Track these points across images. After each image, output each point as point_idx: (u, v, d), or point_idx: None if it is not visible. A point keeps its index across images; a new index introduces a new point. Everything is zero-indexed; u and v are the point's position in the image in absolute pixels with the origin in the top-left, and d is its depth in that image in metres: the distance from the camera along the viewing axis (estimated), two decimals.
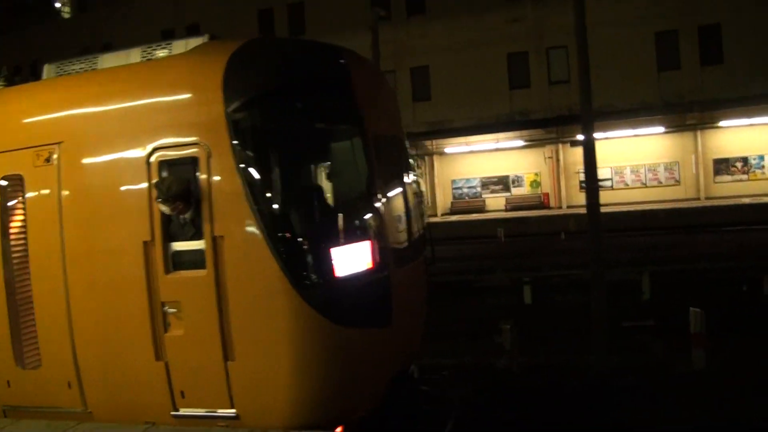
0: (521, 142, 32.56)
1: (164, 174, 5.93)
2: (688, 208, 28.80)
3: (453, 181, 35.66)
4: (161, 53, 6.74)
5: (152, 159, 5.96)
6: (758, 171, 31.18)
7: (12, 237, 6.72)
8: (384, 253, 6.24)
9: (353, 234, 6.02)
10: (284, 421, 5.72)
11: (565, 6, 29.48)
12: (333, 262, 5.71)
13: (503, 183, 34.92)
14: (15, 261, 6.67)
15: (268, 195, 5.67)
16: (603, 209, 28.57)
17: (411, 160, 8.04)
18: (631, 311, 15.37)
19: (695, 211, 27.88)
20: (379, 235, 6.25)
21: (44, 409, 6.55)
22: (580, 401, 10.77)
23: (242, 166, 5.66)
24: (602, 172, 32.81)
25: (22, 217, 6.66)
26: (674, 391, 10.65)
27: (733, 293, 16.39)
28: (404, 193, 7.43)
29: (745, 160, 31.15)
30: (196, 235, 5.87)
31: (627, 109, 28.77)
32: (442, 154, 35.29)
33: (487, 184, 34.99)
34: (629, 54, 28.78)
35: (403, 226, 7.28)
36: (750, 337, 12.37)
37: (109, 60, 7.00)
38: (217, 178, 5.73)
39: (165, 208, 5.75)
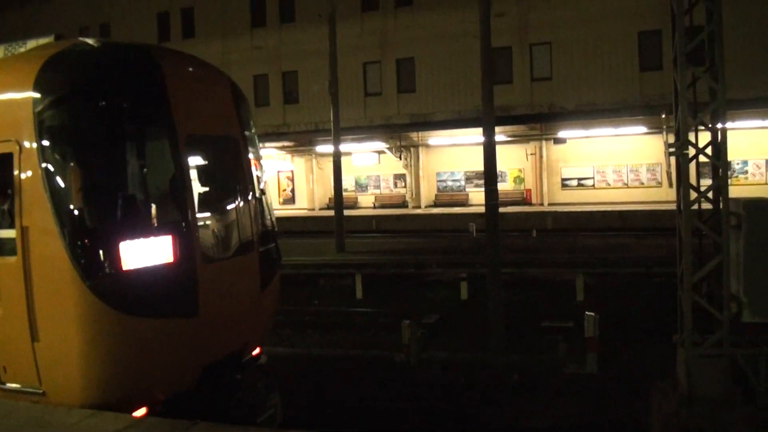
0: (504, 137, 32.62)
1: None
2: (664, 210, 28.76)
3: (438, 174, 35.93)
4: (17, 51, 7.25)
5: None
6: (741, 176, 31.00)
7: None
8: (188, 249, 6.59)
9: (149, 229, 6.38)
10: (83, 399, 6.07)
11: (549, 2, 29.80)
12: (121, 255, 6.04)
13: None
14: None
15: (63, 190, 5.99)
16: (583, 208, 28.86)
17: (254, 159, 8.34)
18: (559, 312, 15.66)
19: (670, 214, 27.83)
20: (182, 231, 6.62)
21: None
22: (461, 395, 11.21)
23: (43, 162, 6.04)
24: (584, 171, 32.95)
25: None
26: (555, 391, 11.04)
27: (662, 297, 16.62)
28: (233, 192, 7.79)
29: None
30: (12, 225, 6.33)
31: (609, 108, 28.74)
32: (427, 146, 35.53)
33: (471, 178, 35.17)
34: (612, 52, 28.72)
35: (226, 222, 7.68)
36: (649, 342, 12.60)
37: None
38: (25, 173, 6.12)
39: None
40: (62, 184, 6.05)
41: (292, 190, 40.79)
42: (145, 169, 6.65)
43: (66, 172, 6.09)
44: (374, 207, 37.45)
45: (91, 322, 5.99)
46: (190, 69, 7.61)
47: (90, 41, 7.04)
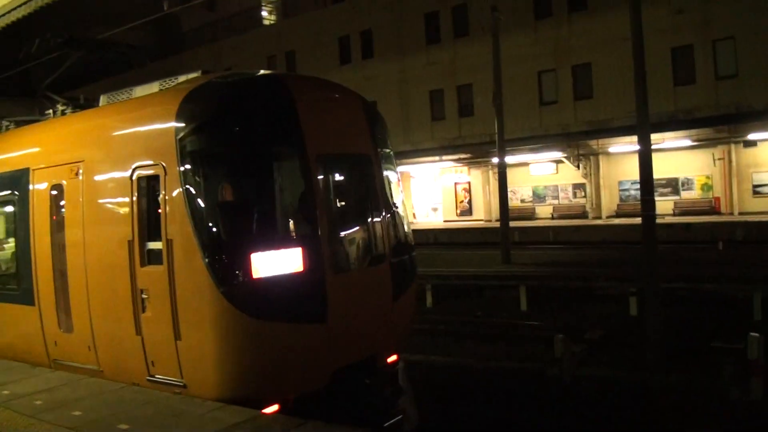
0: (689, 142, 30.47)
1: (142, 187, 7.39)
2: None
3: (620, 183, 34.28)
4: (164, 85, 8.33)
5: (134, 176, 7.45)
6: None
7: (58, 230, 8.63)
8: (317, 259, 7.13)
9: (279, 242, 7.00)
10: (217, 393, 6.78)
11: None
12: (252, 265, 6.70)
13: (672, 185, 32.85)
14: (59, 248, 8.56)
15: (200, 208, 6.81)
16: None
17: (389, 176, 8.72)
18: (733, 332, 14.42)
19: None
20: (311, 243, 7.16)
21: (76, 364, 8.35)
22: (609, 415, 10.75)
23: (185, 183, 6.88)
24: None
25: (63, 215, 8.56)
26: (711, 416, 10.24)
27: None
28: (365, 206, 8.23)
29: None
30: (161, 238, 7.25)
31: None
32: (607, 154, 34.10)
33: (654, 186, 33.10)
34: None
35: (357, 234, 8.12)
36: None
37: (140, 91, 8.69)
38: (169, 192, 7.00)
39: None
40: (200, 203, 6.85)
41: (469, 202, 41.03)
42: (276, 187, 7.30)
43: (202, 191, 6.91)
44: (552, 218, 36.59)
45: (224, 324, 6.69)
46: (322, 93, 8.20)
47: (227, 76, 7.88)
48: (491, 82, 25.44)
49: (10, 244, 9.69)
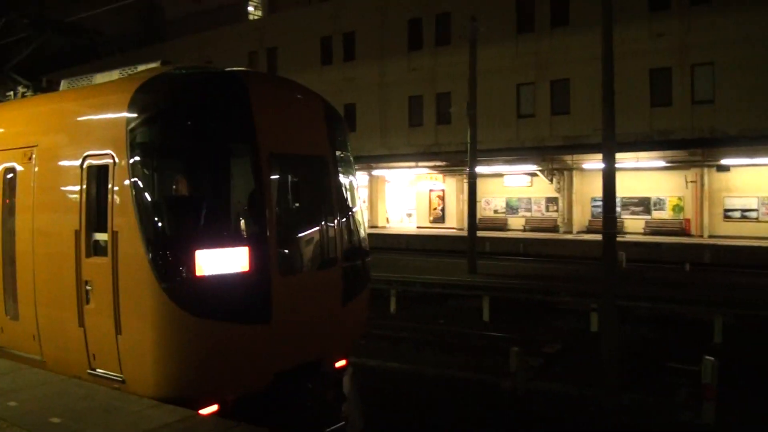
0: (662, 163, 30.74)
1: (92, 176, 7.22)
2: None
3: (592, 199, 34.48)
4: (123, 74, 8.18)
5: (84, 164, 7.28)
6: None
7: (9, 215, 8.42)
8: (263, 260, 7.01)
9: (226, 240, 6.87)
10: (155, 391, 6.62)
11: (713, 21, 27.80)
12: (196, 262, 6.54)
13: (644, 205, 33.16)
14: (10, 234, 8.34)
15: (146, 201, 6.65)
16: (746, 242, 26.66)
17: (347, 179, 8.64)
18: (691, 354, 14.53)
19: None
20: (258, 243, 7.03)
21: (20, 353, 8.13)
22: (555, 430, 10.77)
23: (132, 174, 6.72)
24: (749, 202, 30.27)
25: (14, 200, 8.35)
26: None
27: None
28: (317, 209, 8.15)
29: None
30: (107, 229, 7.08)
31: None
32: (581, 169, 34.32)
33: (627, 204, 33.41)
34: None
35: (307, 237, 8.01)
36: None
37: (100, 78, 8.51)
38: (117, 183, 6.84)
39: None
40: (145, 195, 6.69)
41: (443, 209, 41.04)
42: (225, 184, 7.17)
43: (149, 184, 6.74)
44: (524, 230, 36.72)
45: (164, 321, 6.54)
46: (280, 92, 8.09)
47: (184, 68, 7.74)
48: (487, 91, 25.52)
49: None
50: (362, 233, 8.86)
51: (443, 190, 41.07)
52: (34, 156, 7.96)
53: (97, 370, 7.14)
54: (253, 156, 7.19)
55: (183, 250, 6.57)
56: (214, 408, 6.85)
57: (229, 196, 7.21)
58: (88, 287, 7.12)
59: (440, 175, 40.66)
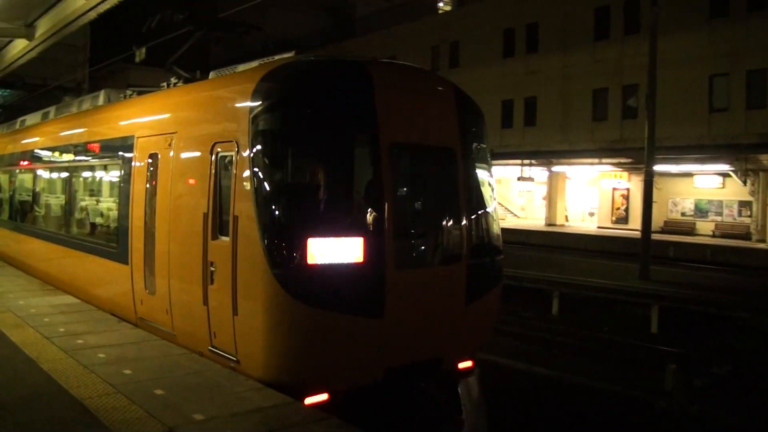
0: None
1: (219, 163, 7.49)
2: None
3: None
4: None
5: (213, 151, 7.57)
6: None
7: (152, 195, 9.02)
8: (378, 252, 6.87)
9: (340, 229, 6.78)
10: (264, 374, 6.75)
11: None
12: (308, 250, 6.53)
13: None
14: (152, 213, 8.94)
15: (264, 187, 6.76)
16: None
17: (478, 173, 8.22)
18: None
19: None
20: (374, 234, 6.90)
21: (155, 324, 8.72)
22: None
23: (252, 161, 6.86)
24: None
25: (156, 182, 8.92)
26: None
27: None
28: (441, 202, 7.86)
29: None
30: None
31: None
32: None
33: None
34: None
35: (429, 231, 7.75)
36: None
37: (243, 68, 8.83)
38: (240, 169, 7.02)
39: None
40: (263, 182, 6.78)
41: (626, 209, 38.61)
42: (343, 173, 7.10)
43: (267, 171, 6.84)
44: (713, 235, 33.50)
45: (273, 307, 6.61)
46: (408, 81, 7.88)
47: (315, 57, 7.77)
48: (660, 84, 23.61)
49: (113, 205, 10.34)
50: (494, 230, 8.42)
51: (627, 189, 38.65)
52: (173, 142, 8.44)
53: (217, 348, 7.40)
54: (373, 146, 7.06)
55: (295, 238, 6.59)
56: (323, 397, 6.84)
57: (345, 185, 7.12)
58: (212, 268, 7.39)
59: (625, 173, 38.29)
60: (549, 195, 41.99)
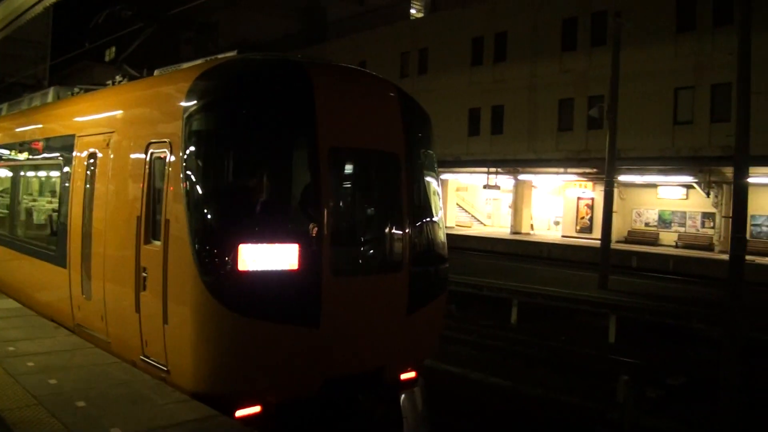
0: None
1: (153, 164, 7.23)
2: None
3: (752, 217, 30.96)
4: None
5: (148, 152, 7.29)
6: None
7: (90, 197, 8.71)
8: (314, 259, 6.65)
9: (274, 235, 6.55)
10: (193, 385, 6.47)
11: None
12: (239, 257, 6.29)
13: None
14: (89, 215, 8.62)
15: (195, 190, 6.49)
16: None
17: (423, 178, 8.05)
18: None
19: None
20: (310, 241, 6.68)
21: (91, 332, 8.39)
22: None
23: (184, 162, 6.61)
24: None
25: (94, 183, 8.62)
26: None
27: None
28: (382, 209, 7.68)
29: None
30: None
31: None
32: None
33: None
34: None
35: (367, 238, 7.55)
36: None
37: (186, 66, 8.60)
38: (172, 171, 6.75)
39: None
40: (196, 184, 6.53)
41: (591, 219, 38.86)
42: (278, 177, 6.91)
43: (199, 173, 6.58)
44: (676, 246, 33.88)
45: (203, 316, 6.37)
46: (349, 83, 7.66)
47: (250, 56, 7.54)
48: (626, 96, 23.76)
49: (54, 206, 10.00)
50: (439, 238, 8.23)
51: (592, 199, 38.90)
52: (111, 142, 8.15)
53: (148, 357, 7.13)
54: (310, 149, 6.83)
55: (226, 243, 6.34)
56: (256, 409, 6.59)
57: (280, 189, 6.92)
58: (144, 274, 7.12)
59: (590, 183, 38.55)
60: (515, 203, 42.15)
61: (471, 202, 50.91)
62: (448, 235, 8.66)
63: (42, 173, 11.18)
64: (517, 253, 34.01)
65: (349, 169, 7.50)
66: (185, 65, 8.49)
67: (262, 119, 6.78)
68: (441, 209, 8.47)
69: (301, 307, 6.69)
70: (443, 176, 44.30)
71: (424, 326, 7.99)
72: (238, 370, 6.53)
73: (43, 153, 10.68)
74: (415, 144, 7.97)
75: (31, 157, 11.32)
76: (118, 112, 8.64)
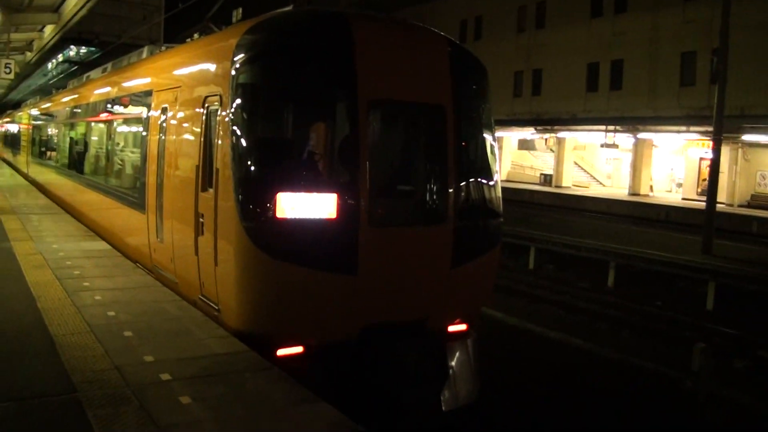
0: None
1: (208, 116, 7.62)
2: None
3: None
4: None
5: (205, 104, 7.69)
6: None
7: (163, 148, 9.30)
8: (352, 209, 6.83)
9: (313, 185, 6.80)
10: (237, 324, 6.92)
11: None
12: (277, 205, 6.58)
13: None
14: (163, 164, 9.22)
15: (240, 141, 6.82)
16: None
17: (473, 132, 7.95)
18: None
19: None
20: (348, 191, 6.85)
21: (164, 273, 9.05)
22: None
23: (233, 113, 6.92)
24: None
25: (166, 135, 9.18)
26: None
27: None
28: (426, 161, 7.68)
29: None
30: None
31: None
32: None
33: None
34: None
35: (410, 190, 7.64)
36: None
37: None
38: (222, 122, 7.11)
39: None
40: (241, 135, 6.85)
41: None
42: (317, 128, 7.10)
43: (245, 124, 6.90)
44: None
45: (243, 260, 6.75)
46: (393, 35, 7.65)
47: (297, 11, 7.69)
48: (749, 47, 21.97)
49: (137, 156, 10.74)
50: (491, 193, 8.11)
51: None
52: (177, 96, 8.64)
53: (205, 297, 7.62)
54: (350, 101, 6.95)
55: (265, 191, 6.63)
56: (298, 349, 6.93)
57: (320, 140, 7.09)
58: (201, 219, 7.59)
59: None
60: (634, 163, 40.30)
61: (590, 162, 49.26)
62: (561, 196, 8.55)
63: (130, 127, 12.01)
64: (633, 215, 32.63)
65: (390, 121, 7.54)
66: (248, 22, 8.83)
67: (301, 71, 6.95)
68: (496, 164, 8.35)
69: (338, 255, 6.90)
70: (560, 134, 43.15)
71: (472, 279, 7.98)
72: (277, 312, 6.87)
73: (129, 106, 11.48)
74: (464, 97, 7.86)
75: (123, 111, 12.18)
76: (184, 68, 9.13)
